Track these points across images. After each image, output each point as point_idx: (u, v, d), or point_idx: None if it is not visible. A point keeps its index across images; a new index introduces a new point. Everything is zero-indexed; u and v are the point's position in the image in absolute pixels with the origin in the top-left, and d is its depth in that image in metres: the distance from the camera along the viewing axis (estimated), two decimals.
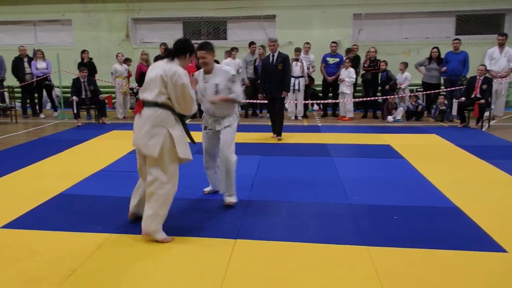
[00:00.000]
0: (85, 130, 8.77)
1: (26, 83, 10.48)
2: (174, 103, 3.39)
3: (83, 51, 10.74)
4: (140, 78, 10.18)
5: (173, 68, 3.37)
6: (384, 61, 10.09)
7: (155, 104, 3.37)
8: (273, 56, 7.51)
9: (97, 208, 4.19)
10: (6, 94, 10.66)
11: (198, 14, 12.63)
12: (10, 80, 10.89)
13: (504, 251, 3.22)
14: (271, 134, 7.76)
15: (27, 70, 10.56)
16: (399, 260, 3.10)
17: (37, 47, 11.49)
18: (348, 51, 10.58)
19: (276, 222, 3.83)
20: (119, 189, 4.73)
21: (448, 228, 3.67)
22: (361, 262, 3.07)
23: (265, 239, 3.46)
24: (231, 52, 10.43)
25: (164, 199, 3.42)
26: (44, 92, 11.21)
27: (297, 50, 9.85)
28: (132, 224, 3.73)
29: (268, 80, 7.55)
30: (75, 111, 9.25)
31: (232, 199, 4.22)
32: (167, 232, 3.47)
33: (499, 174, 5.32)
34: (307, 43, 10.40)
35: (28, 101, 10.89)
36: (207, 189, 4.61)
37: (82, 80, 9.39)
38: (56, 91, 11.41)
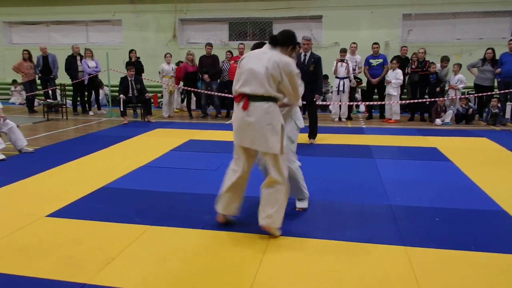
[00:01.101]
0: (130, 127, 9.00)
1: (78, 80, 10.89)
2: (287, 94, 3.30)
3: (131, 51, 11.02)
4: (185, 77, 10.41)
5: (283, 58, 3.23)
6: (433, 62, 9.75)
7: (267, 98, 3.22)
8: (305, 55, 7.13)
9: (138, 202, 4.29)
10: (58, 92, 11.23)
11: (243, 15, 12.76)
12: (62, 78, 11.40)
13: None
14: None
15: (80, 68, 10.96)
16: (438, 261, 2.99)
17: (88, 47, 11.92)
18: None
19: (314, 221, 3.80)
20: (160, 184, 4.86)
21: (493, 231, 3.51)
22: (398, 261, 3.00)
23: (303, 237, 3.44)
24: None
25: (284, 199, 3.41)
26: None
27: (343, 51, 9.73)
28: (169, 218, 3.82)
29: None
30: (122, 109, 9.50)
31: (301, 204, 4.02)
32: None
33: None
34: (354, 43, 10.25)
35: (78, 98, 11.32)
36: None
37: (129, 79, 9.64)
38: (105, 90, 11.84)
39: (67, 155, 6.24)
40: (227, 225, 3.65)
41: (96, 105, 11.69)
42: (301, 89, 3.43)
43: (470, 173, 5.25)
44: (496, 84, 9.55)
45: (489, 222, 3.71)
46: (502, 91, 9.14)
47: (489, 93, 9.38)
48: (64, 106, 10.52)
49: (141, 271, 2.89)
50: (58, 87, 11.03)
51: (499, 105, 9.14)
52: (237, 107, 3.34)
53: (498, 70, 9.22)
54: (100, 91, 11.87)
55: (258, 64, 3.22)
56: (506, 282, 2.71)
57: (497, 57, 9.39)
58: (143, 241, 3.37)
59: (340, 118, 9.91)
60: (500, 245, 3.22)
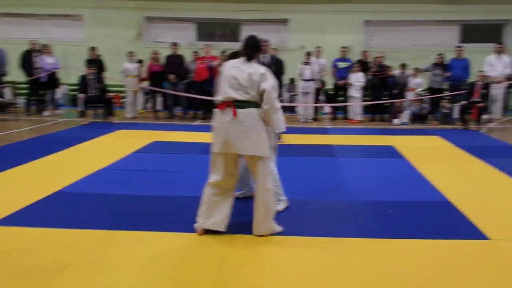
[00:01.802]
0: (91, 128, 8.70)
1: (34, 78, 10.21)
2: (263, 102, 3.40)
3: (92, 48, 10.57)
4: (151, 77, 10.28)
5: (261, 69, 3.44)
6: (390, 66, 10.44)
7: (255, 104, 3.41)
8: (264, 57, 7.22)
9: (96, 206, 4.18)
10: (8, 90, 10.38)
11: (212, 15, 12.83)
12: (16, 75, 10.65)
13: (487, 238, 3.52)
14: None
15: (37, 65, 10.29)
16: (393, 250, 3.31)
17: (45, 42, 11.12)
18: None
19: (277, 218, 3.78)
20: (121, 187, 4.78)
21: (439, 220, 3.95)
22: (359, 253, 3.21)
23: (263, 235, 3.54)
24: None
25: (272, 201, 3.55)
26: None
27: (308, 54, 10.20)
28: (130, 222, 3.75)
29: None
30: (82, 109, 9.20)
31: (278, 206, 4.01)
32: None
33: (492, 171, 5.64)
34: (318, 47, 10.70)
35: (33, 97, 10.58)
36: (237, 194, 4.20)
37: (90, 77, 9.30)
38: (63, 88, 11.28)
39: (19, 157, 5.92)
40: (190, 224, 3.62)
41: (52, 105, 11.08)
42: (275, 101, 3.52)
43: (422, 168, 5.74)
44: (446, 86, 10.36)
45: (437, 212, 4.16)
46: (451, 93, 9.97)
47: (440, 95, 10.17)
48: (15, 106, 9.87)
49: (97, 277, 2.81)
50: (8, 85, 10.32)
51: (449, 105, 9.94)
52: (222, 115, 3.41)
53: (448, 74, 10.09)
54: (58, 90, 11.29)
55: (241, 73, 3.39)
56: (452, 265, 3.09)
57: (448, 62, 10.22)
58: (101, 246, 3.27)
59: (306, 119, 10.36)
60: (444, 232, 3.64)
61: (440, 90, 10.30)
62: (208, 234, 3.49)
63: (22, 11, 13.06)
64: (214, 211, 3.48)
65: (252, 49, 3.52)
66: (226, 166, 3.46)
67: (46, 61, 10.48)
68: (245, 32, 13.06)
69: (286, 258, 3.16)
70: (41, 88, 10.62)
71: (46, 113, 10.60)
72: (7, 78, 10.59)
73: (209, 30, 13.42)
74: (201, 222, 3.50)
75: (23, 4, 12.86)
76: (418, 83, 10.46)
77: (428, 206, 4.37)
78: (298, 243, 3.43)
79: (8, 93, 10.57)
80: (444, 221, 3.96)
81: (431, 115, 10.37)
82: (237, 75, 3.39)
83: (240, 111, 3.36)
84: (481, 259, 3.19)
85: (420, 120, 10.09)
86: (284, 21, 12.77)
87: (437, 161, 6.29)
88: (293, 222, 3.85)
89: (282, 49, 12.22)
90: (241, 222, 3.72)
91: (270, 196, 3.50)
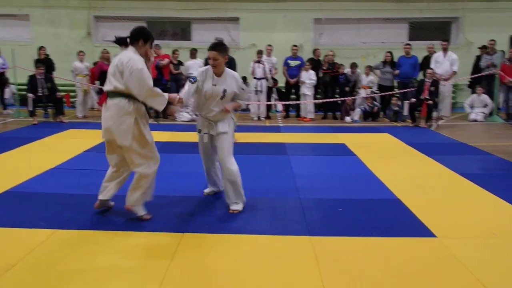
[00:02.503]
0: (41, 128, 8.63)
1: None
2: (132, 90, 3.46)
3: (40, 48, 10.55)
4: (101, 76, 10.11)
5: (128, 55, 3.49)
6: (341, 64, 10.51)
7: (118, 94, 3.50)
8: None
9: (44, 205, 4.16)
10: None
11: (161, 14, 12.69)
12: None
13: (434, 236, 3.53)
14: None
15: None
16: (339, 248, 3.33)
17: None
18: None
19: (225, 216, 3.98)
20: (69, 186, 4.74)
21: (388, 218, 3.96)
22: (303, 250, 3.27)
23: (214, 232, 3.59)
24: (195, 53, 10.56)
25: (142, 177, 3.70)
26: None
27: (259, 53, 10.11)
28: (78, 221, 3.76)
29: None
30: (31, 109, 9.09)
31: (237, 207, 4.08)
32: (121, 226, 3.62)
33: (440, 168, 5.72)
34: (269, 45, 10.65)
35: None
36: (206, 190, 4.52)
37: (38, 77, 9.22)
38: (12, 88, 11.15)
39: None
40: (138, 222, 3.76)
41: (1, 105, 10.97)
42: (149, 84, 3.49)
43: (372, 166, 5.78)
44: (396, 84, 10.55)
45: (385, 210, 4.16)
46: (401, 91, 10.12)
47: (390, 92, 10.33)
48: None
49: (44, 276, 2.83)
50: None
51: (399, 103, 10.09)
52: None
53: (397, 71, 10.22)
54: (6, 89, 11.13)
55: (111, 65, 3.59)
56: (396, 262, 3.10)
57: (396, 60, 10.37)
58: (48, 245, 3.29)
59: (259, 117, 10.29)
60: (393, 230, 3.66)
61: (390, 88, 10.45)
62: (156, 232, 3.57)
63: None
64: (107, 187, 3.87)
65: (131, 38, 3.58)
66: (108, 150, 3.78)
67: None
68: (196, 30, 12.90)
69: (232, 255, 3.19)
70: None
71: None
72: None
73: (159, 28, 13.19)
74: (99, 196, 3.88)
75: None
76: (370, 81, 10.59)
77: (377, 204, 4.37)
78: (245, 241, 3.45)
79: None
80: (393, 219, 3.95)
81: (381, 113, 10.51)
82: (109, 67, 3.62)
83: (109, 101, 3.56)
84: (427, 257, 3.18)
85: (371, 117, 10.19)
86: (235, 20, 12.65)
87: (387, 158, 6.34)
88: (242, 220, 3.89)
89: (233, 47, 12.07)
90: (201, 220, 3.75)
91: (140, 178, 3.71)
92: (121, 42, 3.64)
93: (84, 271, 2.92)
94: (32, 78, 9.24)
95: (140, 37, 3.58)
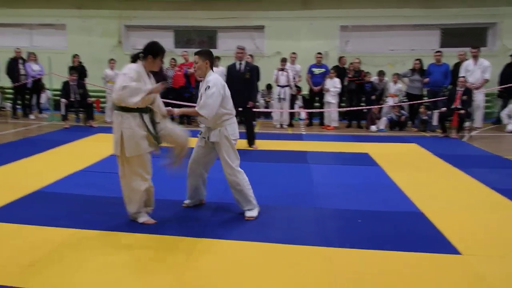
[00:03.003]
0: (71, 132, 8.91)
1: (20, 83, 10.64)
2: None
3: (75, 55, 10.97)
4: None
5: (127, 66, 3.64)
6: (368, 72, 10.28)
7: (116, 108, 3.65)
8: (240, 64, 7.30)
9: (70, 206, 4.30)
10: None
11: (188, 23, 12.86)
12: (5, 81, 11.05)
13: (458, 253, 3.33)
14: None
15: (21, 71, 10.74)
16: (355, 261, 3.21)
17: (32, 50, 11.66)
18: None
19: (243, 223, 3.94)
20: (95, 188, 4.87)
21: (409, 231, 3.79)
22: (319, 262, 3.17)
23: (230, 239, 3.56)
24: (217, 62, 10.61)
25: (128, 190, 3.81)
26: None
27: (283, 60, 10.03)
28: (100, 222, 3.84)
29: (233, 88, 7.28)
30: (64, 113, 9.45)
31: (251, 213, 4.05)
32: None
33: (470, 181, 5.44)
34: (294, 53, 10.56)
35: (19, 102, 11.06)
36: (186, 202, 4.38)
37: (71, 83, 9.56)
38: (47, 93, 11.60)
39: (3, 158, 6.13)
40: (156, 226, 3.80)
41: (37, 109, 11.49)
42: (119, 87, 3.50)
43: (395, 177, 5.58)
44: (425, 92, 10.20)
45: (407, 223, 3.99)
46: (430, 100, 9.77)
47: (419, 101, 10.00)
48: (4, 109, 10.32)
49: (64, 274, 2.92)
50: None
51: (428, 112, 9.75)
52: None
53: (426, 79, 9.88)
54: (43, 94, 11.62)
55: None
56: (416, 280, 2.94)
57: (426, 67, 10.03)
58: (70, 244, 3.39)
59: (281, 125, 10.17)
60: (414, 244, 3.48)
61: (419, 97, 10.12)
62: (172, 236, 3.59)
63: (12, 21, 13.53)
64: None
65: (143, 53, 3.70)
66: None
67: (31, 68, 10.87)
68: (221, 38, 12.96)
69: (246, 263, 3.15)
70: (26, 93, 11.07)
71: (31, 116, 11.04)
72: None
73: (186, 37, 13.35)
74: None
75: (13, 15, 13.30)
76: (398, 89, 10.30)
77: (398, 216, 4.21)
78: (260, 249, 3.40)
79: None
80: (415, 233, 3.79)
81: (409, 122, 10.19)
82: None
83: (114, 113, 3.71)
84: (450, 275, 3.02)
85: (398, 127, 9.89)
86: (260, 28, 12.62)
87: (412, 169, 6.11)
88: (257, 227, 3.84)
89: (258, 55, 12.08)
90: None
91: (127, 189, 3.81)
92: (135, 58, 3.71)
93: (102, 270, 2.99)
94: (65, 84, 9.60)
95: (149, 53, 3.69)
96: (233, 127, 4.09)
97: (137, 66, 3.66)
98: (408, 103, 10.15)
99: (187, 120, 10.15)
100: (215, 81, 3.90)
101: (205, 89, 3.88)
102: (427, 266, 3.13)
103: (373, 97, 10.17)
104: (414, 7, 11.92)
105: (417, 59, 10.17)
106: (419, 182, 5.39)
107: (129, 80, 3.51)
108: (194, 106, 4.05)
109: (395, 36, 12.40)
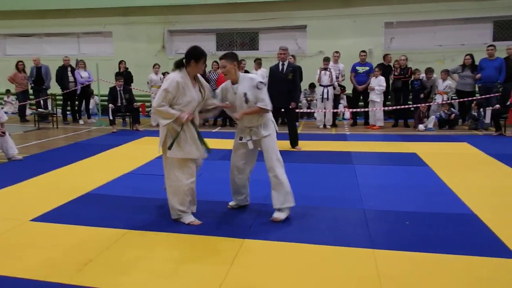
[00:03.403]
0: (119, 136, 9.16)
1: (69, 90, 11.11)
2: None
3: (121, 61, 11.35)
4: None
5: (169, 77, 3.76)
6: (417, 69, 9.92)
7: None
8: (282, 65, 7.24)
9: (119, 207, 4.43)
10: (49, 101, 11.33)
11: (230, 26, 12.96)
12: (53, 88, 11.58)
13: None
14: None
15: (70, 78, 11.21)
16: (403, 263, 3.08)
17: (80, 58, 12.17)
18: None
19: (287, 224, 3.89)
20: (142, 190, 4.98)
21: (461, 234, 3.60)
22: (365, 263, 3.09)
23: (274, 240, 3.53)
24: (261, 63, 10.63)
25: (169, 196, 3.95)
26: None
27: (326, 60, 9.87)
28: (148, 223, 3.94)
29: (276, 89, 7.11)
30: (111, 118, 9.74)
31: (279, 215, 3.96)
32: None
33: None
34: (337, 52, 10.40)
35: (69, 108, 11.54)
36: (231, 204, 4.38)
37: (118, 88, 9.84)
38: (95, 99, 12.06)
39: (55, 162, 6.36)
40: (203, 227, 3.84)
41: (86, 114, 11.91)
42: (156, 103, 3.77)
43: (445, 177, 5.34)
44: (477, 89, 9.71)
45: (458, 225, 3.80)
46: (483, 96, 9.28)
47: (470, 98, 9.53)
48: (55, 115, 10.73)
49: (117, 272, 3.01)
50: (50, 97, 11.26)
51: (480, 109, 9.28)
52: None
53: (478, 75, 9.40)
54: (91, 100, 12.08)
55: None
56: (468, 284, 2.79)
57: (478, 62, 9.55)
58: (122, 244, 3.50)
59: (325, 125, 10.03)
60: (466, 248, 3.30)
61: (470, 93, 9.65)
62: (218, 237, 3.63)
63: (61, 30, 14.19)
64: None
65: (185, 58, 3.79)
66: None
67: (80, 75, 11.33)
68: (263, 40, 12.97)
69: (290, 265, 3.12)
70: (75, 100, 11.57)
71: (80, 122, 11.55)
72: (48, 91, 11.66)
73: (228, 39, 13.46)
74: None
75: (62, 24, 13.95)
76: (448, 86, 9.88)
77: (449, 218, 4.01)
78: (305, 250, 3.36)
79: (49, 105, 11.47)
80: (467, 235, 3.59)
81: (460, 120, 9.74)
82: None
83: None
84: (506, 280, 2.83)
85: (448, 125, 9.48)
86: (301, 28, 12.52)
87: (463, 169, 5.83)
88: (302, 229, 3.80)
89: (300, 55, 11.99)
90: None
91: (168, 192, 3.95)
92: (179, 65, 3.78)
93: (151, 269, 3.06)
94: (112, 90, 9.89)
95: (191, 58, 3.75)
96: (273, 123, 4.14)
97: (180, 75, 3.72)
98: (459, 100, 9.70)
99: (229, 123, 10.22)
100: (260, 77, 3.98)
101: (255, 86, 3.90)
102: (482, 270, 2.96)
103: (422, 95, 9.81)
104: (465, 0, 11.36)
105: (467, 54, 9.70)
106: (471, 183, 5.13)
107: (166, 99, 3.69)
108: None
109: (444, 31, 11.88)
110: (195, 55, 3.75)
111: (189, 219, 3.91)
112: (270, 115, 4.09)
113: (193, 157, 3.86)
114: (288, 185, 3.98)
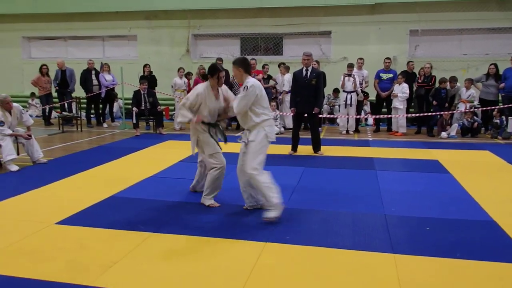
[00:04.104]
0: (142, 139, 9.21)
1: (93, 94, 11.19)
2: None
3: (145, 65, 11.42)
4: None
5: (196, 87, 4.59)
6: (443, 77, 9.91)
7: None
8: (306, 70, 7.32)
9: (143, 210, 4.53)
10: (74, 104, 11.51)
11: (255, 30, 13.04)
12: (78, 91, 11.69)
13: None
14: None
15: (94, 82, 11.29)
16: (423, 268, 3.17)
17: (105, 61, 12.30)
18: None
19: (308, 228, 3.99)
20: (165, 193, 5.09)
21: (481, 240, 3.68)
22: (385, 268, 3.17)
23: (295, 243, 3.62)
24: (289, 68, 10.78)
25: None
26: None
27: (350, 66, 9.95)
28: (171, 226, 4.05)
29: (300, 95, 7.34)
30: (135, 122, 9.80)
31: (269, 214, 4.13)
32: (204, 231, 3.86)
33: None
34: (361, 58, 10.45)
35: (93, 111, 11.58)
36: (246, 206, 4.55)
37: (142, 92, 9.93)
38: (119, 102, 12.15)
39: (79, 165, 6.49)
40: (225, 230, 3.95)
41: (110, 118, 11.99)
42: (181, 104, 4.70)
43: (466, 184, 5.40)
44: (500, 98, 9.69)
45: (478, 232, 3.87)
46: (507, 106, 9.26)
47: (493, 107, 9.51)
48: (79, 119, 10.79)
49: (141, 275, 3.10)
50: (74, 100, 11.40)
51: (503, 117, 9.27)
52: None
53: (502, 85, 9.38)
54: (115, 103, 12.17)
55: None
56: None
57: (502, 72, 9.53)
58: (145, 247, 3.59)
59: (347, 131, 10.11)
60: (485, 253, 3.38)
61: (493, 102, 9.63)
62: (240, 240, 3.73)
63: (86, 34, 14.36)
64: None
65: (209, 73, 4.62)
66: None
67: (105, 78, 11.40)
68: (287, 45, 13.11)
69: (311, 268, 3.19)
70: (99, 103, 11.59)
71: (104, 125, 11.54)
72: (73, 94, 11.69)
73: (252, 44, 13.60)
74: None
75: (87, 28, 14.11)
76: (471, 95, 9.87)
77: (469, 225, 4.09)
78: (326, 254, 3.44)
79: (73, 108, 11.62)
80: (486, 242, 3.67)
81: (482, 129, 9.72)
82: None
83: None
84: None
85: (471, 133, 9.47)
86: (326, 34, 12.61)
87: (484, 177, 5.88)
88: (324, 233, 3.88)
89: (324, 61, 12.10)
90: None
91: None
92: (204, 78, 4.81)
93: (172, 273, 3.14)
94: (136, 93, 9.97)
95: (208, 73, 4.57)
96: (272, 129, 4.29)
97: (204, 87, 4.51)
98: (482, 108, 9.69)
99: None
100: (252, 83, 4.18)
101: (243, 89, 4.16)
102: (500, 276, 3.04)
103: (447, 104, 9.82)
104: (492, 10, 11.28)
105: (492, 64, 9.68)
106: (492, 190, 5.19)
107: (188, 103, 4.52)
108: None
109: (468, 40, 11.82)
110: (210, 71, 4.54)
111: (209, 201, 4.61)
112: (265, 123, 4.22)
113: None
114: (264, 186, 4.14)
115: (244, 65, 4.26)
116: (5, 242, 3.66)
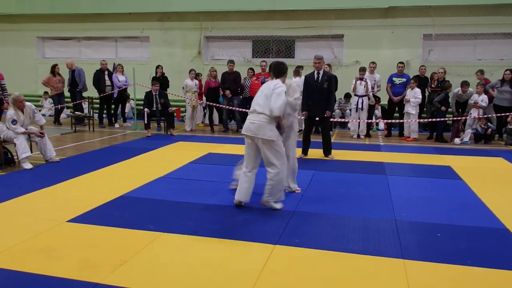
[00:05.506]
0: (153, 140, 9.29)
1: (106, 94, 11.27)
2: None
3: (157, 66, 11.50)
4: (208, 93, 10.74)
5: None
6: (447, 80, 9.84)
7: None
8: (318, 73, 7.30)
9: (153, 210, 4.55)
10: (86, 104, 11.60)
11: (266, 33, 13.06)
12: (91, 91, 11.76)
13: None
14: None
15: (107, 82, 11.37)
16: (433, 274, 3.14)
17: (117, 62, 12.41)
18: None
19: (317, 232, 3.99)
20: (176, 194, 5.12)
21: (493, 248, 3.63)
22: (395, 274, 3.15)
23: (304, 247, 3.62)
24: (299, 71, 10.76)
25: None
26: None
27: (362, 70, 9.92)
28: (181, 226, 4.07)
29: (311, 98, 7.35)
30: (146, 122, 9.88)
31: (276, 205, 4.62)
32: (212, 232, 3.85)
33: None
34: (373, 62, 10.39)
35: (105, 111, 11.63)
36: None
37: (154, 93, 10.01)
38: (131, 103, 12.26)
39: (91, 165, 6.56)
40: (234, 232, 3.97)
41: (121, 118, 12.08)
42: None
43: (479, 191, 5.33)
44: None
45: (489, 239, 3.82)
46: None
47: (508, 113, 9.39)
48: (92, 119, 10.87)
49: (150, 274, 3.12)
50: (86, 100, 11.50)
51: None
52: None
53: None
54: (127, 104, 12.28)
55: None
56: None
57: None
58: (155, 246, 3.62)
59: (358, 135, 10.06)
60: (497, 261, 3.34)
61: (508, 108, 9.49)
62: (250, 242, 3.74)
63: (99, 34, 14.52)
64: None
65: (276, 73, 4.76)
66: None
67: (118, 79, 11.49)
68: (299, 48, 13.10)
69: (320, 272, 3.19)
70: (111, 103, 11.67)
71: (116, 125, 11.63)
72: (85, 94, 11.79)
73: (264, 47, 13.62)
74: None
75: (101, 29, 14.28)
76: (483, 101, 9.75)
77: (481, 232, 4.03)
78: (336, 259, 3.44)
79: (84, 108, 11.72)
80: (498, 249, 3.62)
81: (496, 135, 9.60)
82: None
83: None
84: None
85: (484, 140, 9.36)
86: (338, 37, 12.58)
87: (497, 184, 5.80)
88: (334, 237, 3.88)
89: (336, 64, 12.06)
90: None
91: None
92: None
93: (182, 272, 3.17)
94: (148, 94, 10.05)
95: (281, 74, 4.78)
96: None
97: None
98: (496, 115, 9.57)
99: None
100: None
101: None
102: (509, 284, 3.00)
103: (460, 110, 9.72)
104: (507, 15, 11.13)
105: (507, 70, 9.56)
106: (504, 198, 5.12)
107: None
108: None
109: (483, 45, 11.68)
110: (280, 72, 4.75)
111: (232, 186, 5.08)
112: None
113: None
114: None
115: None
116: (18, 239, 3.70)
